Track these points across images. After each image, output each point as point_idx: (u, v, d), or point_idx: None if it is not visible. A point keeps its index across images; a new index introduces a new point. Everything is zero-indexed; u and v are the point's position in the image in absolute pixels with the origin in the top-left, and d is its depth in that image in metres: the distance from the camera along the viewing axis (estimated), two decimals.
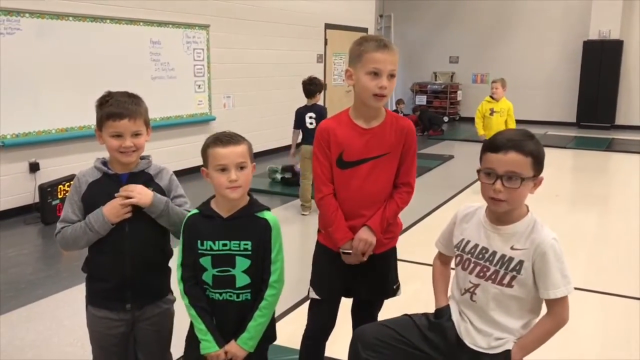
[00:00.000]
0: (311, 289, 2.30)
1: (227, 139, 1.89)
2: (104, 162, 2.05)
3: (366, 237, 2.16)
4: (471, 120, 14.45)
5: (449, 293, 2.10)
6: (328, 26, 10.76)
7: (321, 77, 10.72)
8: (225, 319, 1.92)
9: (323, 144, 2.20)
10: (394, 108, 12.43)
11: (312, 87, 5.83)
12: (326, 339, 2.37)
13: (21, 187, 5.67)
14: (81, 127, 6.05)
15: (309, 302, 2.37)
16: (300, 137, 5.90)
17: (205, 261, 1.89)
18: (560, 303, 1.84)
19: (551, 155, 10.05)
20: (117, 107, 1.95)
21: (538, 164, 1.82)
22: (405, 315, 2.10)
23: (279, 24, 9.37)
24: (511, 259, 1.86)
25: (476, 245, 1.95)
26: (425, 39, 14.96)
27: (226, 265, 1.88)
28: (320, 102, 6.30)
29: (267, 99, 9.16)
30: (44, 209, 5.43)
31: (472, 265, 1.95)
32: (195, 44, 7.71)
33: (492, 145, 1.83)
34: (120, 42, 6.59)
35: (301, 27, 9.98)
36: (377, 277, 2.28)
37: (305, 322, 2.39)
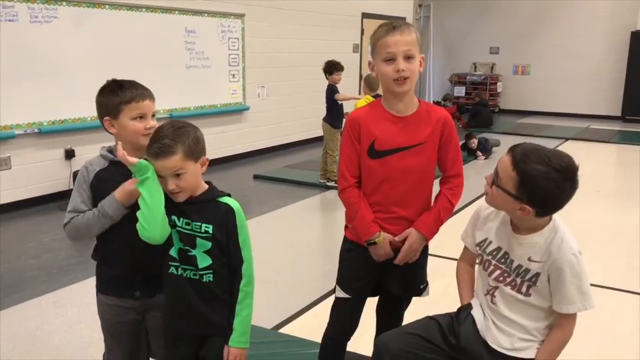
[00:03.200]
0: (337, 288, 2.21)
1: (157, 151, 1.79)
2: (110, 150, 2.02)
3: (417, 246, 2.10)
4: (511, 112, 14.23)
5: (475, 290, 2.02)
6: (365, 15, 10.63)
7: (357, 68, 10.63)
8: (185, 297, 1.87)
9: (352, 136, 2.09)
10: (439, 103, 12.18)
11: (326, 68, 6.46)
12: (348, 339, 2.29)
13: (57, 173, 5.76)
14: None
15: (333, 299, 2.29)
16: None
17: (175, 234, 1.86)
18: (570, 318, 1.77)
19: (594, 150, 9.79)
20: (137, 90, 1.94)
21: (525, 190, 1.70)
22: (428, 317, 2.02)
23: (315, 13, 9.28)
24: (527, 270, 1.78)
25: (499, 249, 1.86)
26: (465, 29, 14.66)
27: (187, 245, 1.85)
28: (340, 84, 6.62)
29: (301, 89, 9.11)
30: None
31: (492, 267, 1.87)
32: (230, 33, 7.69)
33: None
34: (155, 31, 6.62)
35: (337, 17, 9.88)
36: (405, 274, 2.18)
37: (327, 315, 2.32)
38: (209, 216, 1.85)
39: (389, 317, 2.33)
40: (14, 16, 5.23)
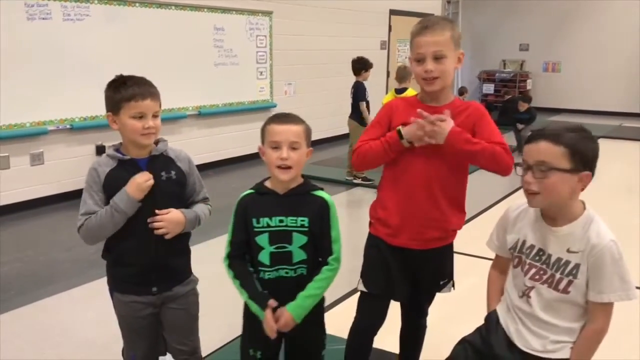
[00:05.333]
0: (360, 281, 2.23)
1: (285, 117, 1.87)
2: (117, 150, 2.03)
3: (440, 124, 1.97)
4: (541, 110, 13.98)
5: (504, 293, 1.97)
6: (393, 12, 10.57)
7: (384, 64, 10.58)
8: (280, 295, 1.87)
9: (382, 120, 2.15)
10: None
11: (357, 65, 6.44)
12: (374, 334, 2.29)
13: (88, 169, 5.84)
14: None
15: (359, 294, 2.30)
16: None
17: (262, 239, 1.86)
18: (605, 310, 1.72)
19: (626, 148, 9.57)
20: (139, 88, 1.94)
21: (578, 157, 1.68)
22: (459, 343, 1.99)
23: (342, 10, 9.26)
24: (567, 262, 1.74)
25: (532, 246, 1.83)
26: (494, 25, 14.47)
27: (283, 241, 1.85)
28: (367, 82, 6.65)
29: (329, 86, 9.10)
30: None
31: (527, 266, 1.83)
32: (258, 31, 7.73)
33: (528, 137, 1.76)
34: (184, 28, 6.69)
35: (365, 13, 9.84)
36: (429, 270, 2.19)
37: (353, 312, 2.33)
38: (305, 209, 1.87)
39: (412, 312, 2.34)
40: (48, 14, 5.33)
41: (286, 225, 1.85)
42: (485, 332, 1.94)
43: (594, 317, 1.74)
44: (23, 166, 5.40)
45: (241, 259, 1.90)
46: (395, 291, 2.20)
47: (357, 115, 6.45)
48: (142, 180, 1.93)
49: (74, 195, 5.72)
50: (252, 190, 1.94)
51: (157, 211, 1.96)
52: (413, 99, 2.16)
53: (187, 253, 2.15)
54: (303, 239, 1.85)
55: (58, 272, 3.98)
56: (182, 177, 2.06)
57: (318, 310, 1.94)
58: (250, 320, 1.92)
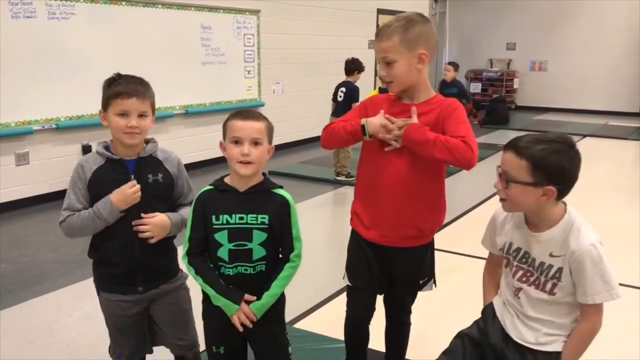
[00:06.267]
0: (345, 275, 2.27)
1: (247, 113, 1.88)
2: (107, 147, 2.02)
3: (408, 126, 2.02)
4: (528, 109, 14.11)
5: (500, 288, 1.99)
6: (380, 11, 10.59)
7: (372, 64, 10.58)
8: (241, 291, 1.89)
9: (366, 107, 2.20)
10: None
11: (352, 65, 6.39)
12: (365, 325, 2.31)
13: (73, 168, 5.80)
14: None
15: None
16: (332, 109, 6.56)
17: (221, 236, 1.86)
18: (596, 309, 1.74)
19: (611, 147, 9.66)
20: (125, 87, 1.94)
21: (541, 172, 1.67)
22: (456, 337, 2.00)
23: (330, 9, 9.27)
24: (550, 266, 1.76)
25: (518, 249, 1.85)
26: (482, 24, 14.54)
27: (243, 239, 1.85)
28: (359, 83, 6.64)
29: (317, 85, 9.10)
30: None
31: (514, 268, 1.86)
32: (245, 30, 7.71)
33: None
34: (171, 27, 6.65)
35: (352, 13, 9.85)
36: (405, 269, 2.20)
37: (342, 311, 2.34)
38: (265, 206, 1.88)
39: (394, 310, 2.36)
40: (32, 13, 5.28)
41: (246, 223, 1.85)
42: (482, 323, 1.97)
43: (585, 317, 1.76)
44: (8, 166, 5.34)
45: (201, 256, 1.90)
46: (376, 284, 2.23)
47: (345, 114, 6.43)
48: (130, 192, 1.93)
49: (60, 196, 5.63)
50: (211, 187, 1.93)
51: (142, 215, 1.96)
52: (393, 95, 2.20)
53: (173, 252, 2.14)
54: (263, 236, 1.86)
55: (44, 273, 3.95)
56: (170, 180, 2.06)
57: (277, 306, 1.95)
58: (209, 318, 1.95)
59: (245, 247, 1.85)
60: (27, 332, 3.12)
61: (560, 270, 1.74)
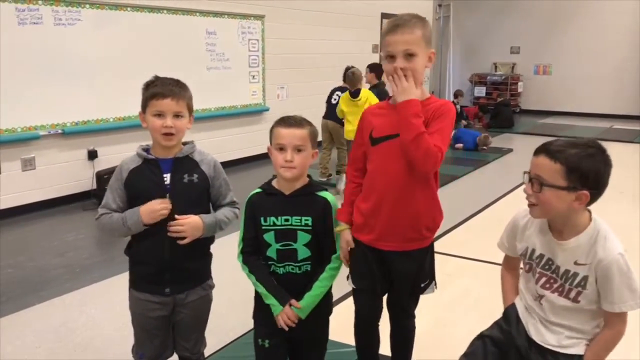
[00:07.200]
0: (349, 277, 2.27)
1: (291, 120, 1.97)
2: (146, 149, 2.09)
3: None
4: (533, 112, 14.08)
5: (520, 293, 1.99)
6: (384, 16, 10.60)
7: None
8: (289, 291, 2.00)
9: (363, 128, 2.20)
10: (452, 101, 12.12)
11: (350, 75, 6.17)
12: (372, 326, 2.32)
13: (80, 173, 5.84)
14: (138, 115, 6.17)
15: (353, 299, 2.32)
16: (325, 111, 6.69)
17: (269, 236, 1.98)
18: (621, 317, 1.74)
19: (616, 150, 9.60)
20: (161, 88, 2.01)
21: (575, 176, 1.66)
22: (477, 338, 2.00)
23: (334, 14, 9.29)
24: (576, 274, 1.75)
25: (541, 256, 1.84)
26: (486, 28, 14.54)
27: (289, 239, 1.97)
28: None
29: (321, 90, 9.07)
30: (101, 195, 5.53)
31: (537, 274, 1.85)
32: (250, 35, 7.73)
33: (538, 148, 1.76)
34: (176, 33, 6.68)
35: (357, 17, 9.87)
36: (405, 272, 2.19)
37: (350, 315, 2.35)
38: (309, 209, 1.98)
39: (396, 313, 2.35)
40: (39, 19, 5.32)
41: (291, 224, 1.96)
42: (505, 324, 1.96)
43: (610, 324, 1.76)
44: (14, 171, 5.37)
45: (254, 254, 2.01)
46: (378, 285, 2.23)
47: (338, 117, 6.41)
48: (158, 208, 1.97)
49: (66, 201, 5.71)
50: (260, 190, 2.05)
51: (177, 216, 2.00)
52: (385, 102, 2.21)
53: (207, 257, 2.19)
54: (307, 237, 1.97)
55: (50, 278, 3.96)
56: (205, 181, 2.09)
57: (321, 304, 2.04)
58: (259, 313, 2.07)
59: (291, 247, 1.97)
60: (34, 336, 3.13)
61: (585, 278, 1.73)
